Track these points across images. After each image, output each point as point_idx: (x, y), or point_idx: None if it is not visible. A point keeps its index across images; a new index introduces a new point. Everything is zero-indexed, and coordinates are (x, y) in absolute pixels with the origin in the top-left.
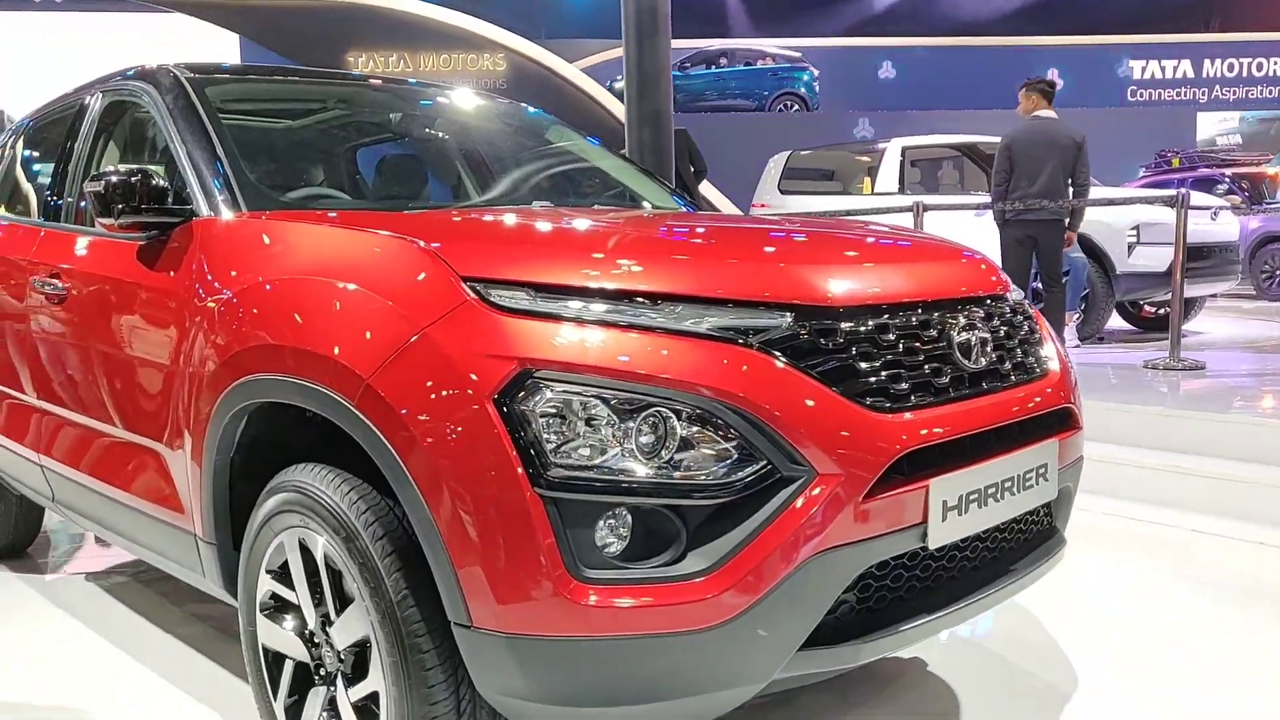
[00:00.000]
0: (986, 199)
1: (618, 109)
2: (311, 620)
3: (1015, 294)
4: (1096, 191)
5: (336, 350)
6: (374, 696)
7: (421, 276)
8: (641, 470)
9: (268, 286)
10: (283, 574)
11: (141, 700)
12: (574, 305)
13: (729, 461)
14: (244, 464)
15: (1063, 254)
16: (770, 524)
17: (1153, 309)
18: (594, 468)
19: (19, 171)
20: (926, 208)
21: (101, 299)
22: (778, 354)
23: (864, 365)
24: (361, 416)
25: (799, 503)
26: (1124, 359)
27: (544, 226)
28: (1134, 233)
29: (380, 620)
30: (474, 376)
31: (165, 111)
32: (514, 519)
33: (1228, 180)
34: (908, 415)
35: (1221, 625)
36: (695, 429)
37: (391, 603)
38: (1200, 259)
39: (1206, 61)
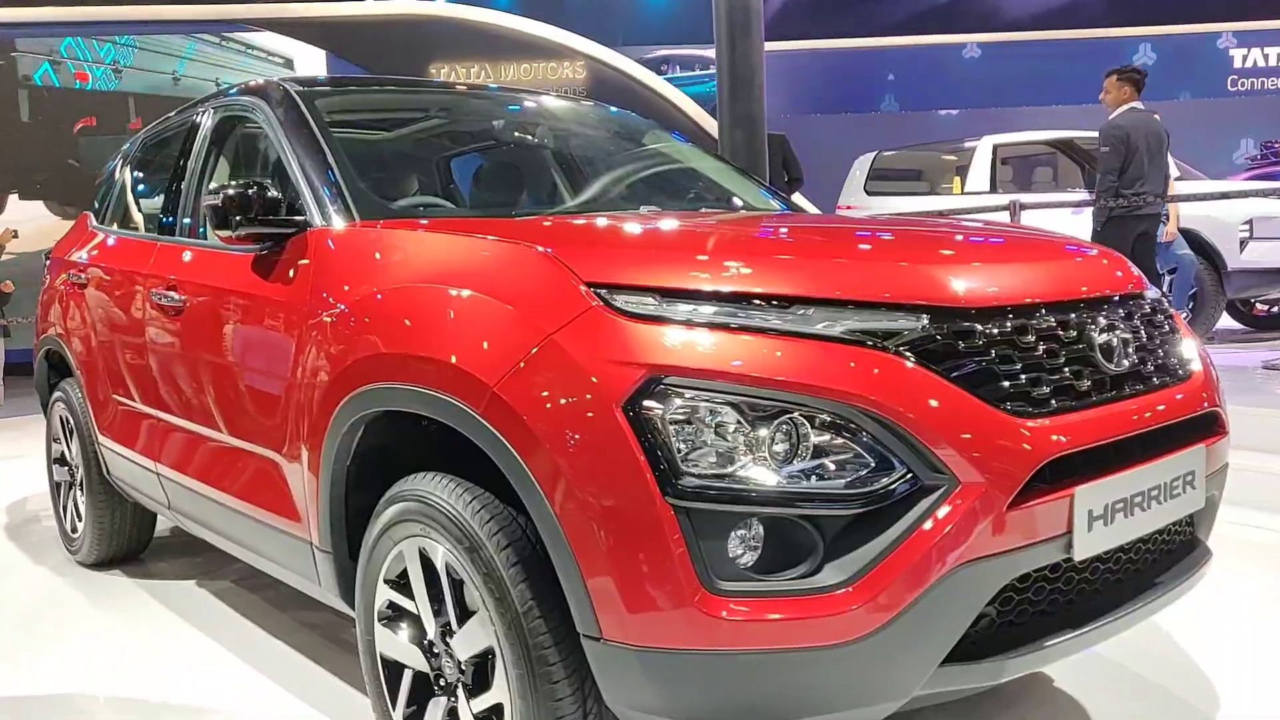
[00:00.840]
0: (1083, 196)
1: (696, 113)
2: (431, 630)
3: (1152, 292)
4: (1207, 185)
5: (460, 358)
6: (497, 708)
7: (544, 283)
8: (776, 479)
9: (386, 295)
10: (401, 583)
11: (254, 705)
12: (702, 310)
13: (867, 469)
14: (359, 473)
15: (1169, 251)
16: (911, 535)
17: (1265, 306)
18: (726, 476)
19: (132, 188)
20: (1023, 206)
21: (218, 310)
22: (915, 357)
23: (1003, 368)
24: (487, 425)
25: (941, 512)
26: (1238, 360)
27: (663, 230)
28: (1246, 227)
29: (505, 631)
30: (601, 383)
31: (277, 125)
32: (645, 529)
33: None
34: (1050, 420)
35: None
36: (831, 436)
37: (517, 614)
38: None
39: None
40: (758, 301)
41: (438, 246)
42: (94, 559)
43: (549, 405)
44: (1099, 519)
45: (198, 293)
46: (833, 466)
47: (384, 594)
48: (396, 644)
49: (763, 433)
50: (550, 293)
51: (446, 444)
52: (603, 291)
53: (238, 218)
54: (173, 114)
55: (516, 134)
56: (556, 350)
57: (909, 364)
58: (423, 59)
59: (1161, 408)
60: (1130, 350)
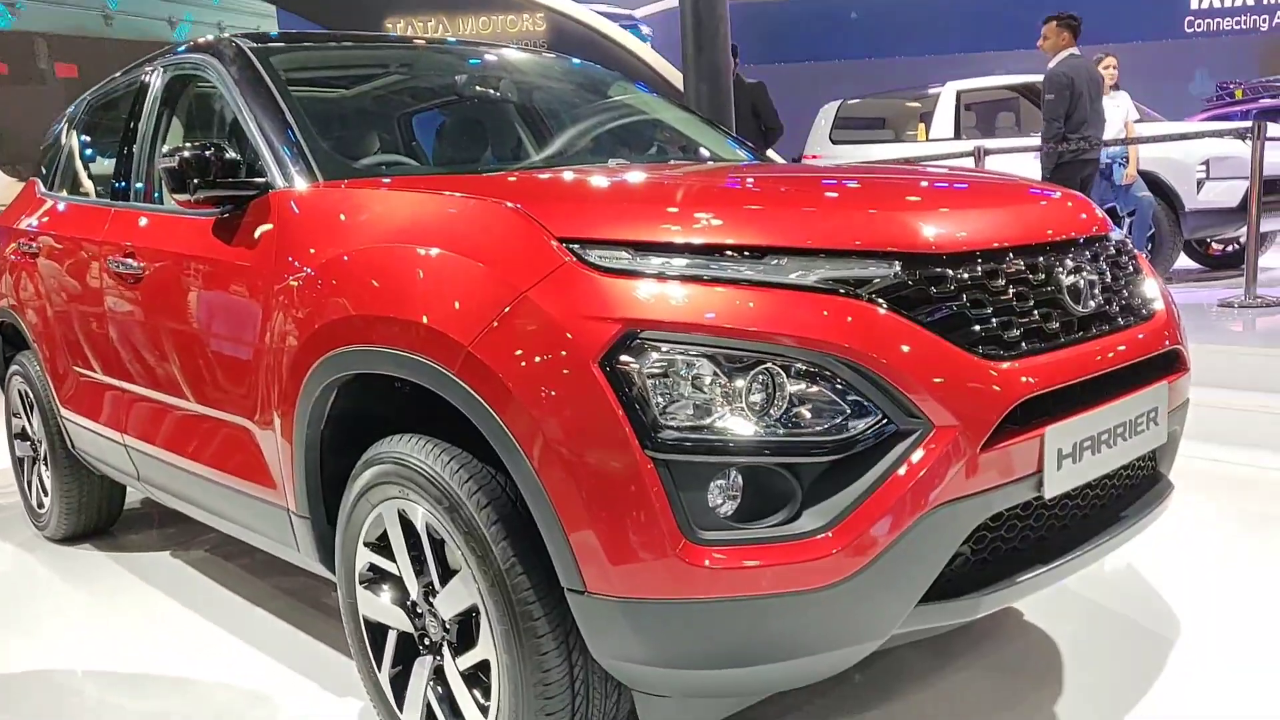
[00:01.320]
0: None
1: (660, 64)
2: (414, 591)
3: (1116, 233)
4: (1164, 127)
5: (432, 318)
6: (484, 665)
7: (515, 240)
8: (753, 428)
9: (353, 256)
10: (381, 546)
11: (237, 671)
12: (675, 263)
13: (843, 416)
14: (334, 437)
15: (1128, 193)
16: (887, 479)
17: (1220, 246)
18: (705, 428)
19: (80, 153)
20: (987, 152)
21: (179, 276)
22: (887, 304)
23: (974, 312)
24: (463, 385)
25: (916, 456)
26: (1196, 298)
27: (632, 183)
28: (1203, 168)
29: (489, 589)
30: (577, 340)
31: (231, 83)
32: (625, 483)
33: None
34: (1020, 362)
35: None
36: (807, 384)
37: (500, 571)
38: (1273, 192)
39: None
40: (730, 253)
41: (404, 205)
42: (63, 534)
43: (525, 363)
44: (1068, 457)
45: (157, 259)
46: (809, 414)
47: (364, 557)
48: (379, 606)
49: (739, 383)
50: (522, 249)
51: (420, 405)
52: (575, 247)
53: (195, 180)
54: (118, 74)
55: (479, 88)
56: (530, 307)
57: (882, 311)
58: (377, 13)
59: (1126, 347)
60: (1096, 291)
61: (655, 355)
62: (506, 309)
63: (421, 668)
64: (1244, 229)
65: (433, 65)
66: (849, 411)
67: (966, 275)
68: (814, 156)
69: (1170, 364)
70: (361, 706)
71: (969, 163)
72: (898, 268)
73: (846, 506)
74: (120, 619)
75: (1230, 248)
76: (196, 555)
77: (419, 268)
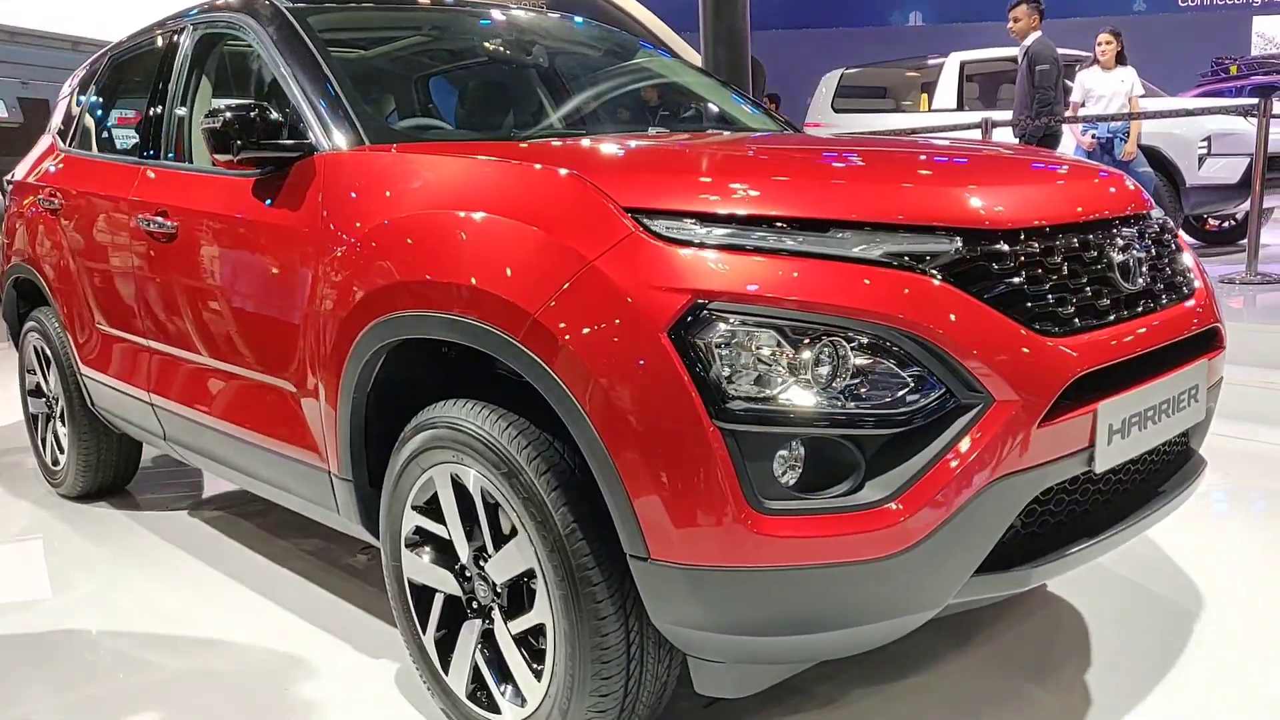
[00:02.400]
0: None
1: (659, 27)
2: (464, 554)
3: (1157, 212)
4: (1167, 102)
5: (498, 285)
6: (538, 629)
7: (581, 209)
8: (819, 400)
9: (409, 221)
10: (430, 509)
11: (269, 630)
12: (740, 234)
13: (907, 389)
14: (378, 401)
15: (1129, 168)
16: (948, 451)
17: (1217, 222)
18: (772, 399)
19: (103, 110)
20: (995, 124)
21: (217, 236)
22: (949, 279)
23: (1031, 289)
24: (528, 352)
25: (976, 429)
26: None
27: (692, 154)
28: (1205, 144)
29: (548, 553)
30: (646, 310)
31: (270, 44)
32: (693, 452)
33: None
34: (1075, 339)
35: None
36: (872, 357)
37: (560, 536)
38: (1273, 169)
39: None
40: (797, 225)
41: (463, 170)
42: (78, 491)
43: (592, 332)
44: (1118, 433)
45: (192, 218)
46: (874, 386)
47: (411, 520)
48: (426, 569)
49: (806, 355)
50: (588, 219)
51: (466, 371)
52: (642, 217)
53: (238, 141)
54: (139, 32)
55: (511, 53)
56: (598, 277)
57: (945, 286)
58: None
59: (1171, 324)
60: (1144, 269)
61: (723, 326)
62: (573, 278)
63: (470, 631)
64: (1244, 205)
65: (464, 28)
66: (912, 384)
67: (1023, 252)
68: (815, 125)
69: (1209, 341)
70: (399, 668)
71: (975, 134)
72: (959, 243)
73: (910, 478)
74: (147, 577)
75: (1226, 224)
76: (212, 514)
77: (481, 234)
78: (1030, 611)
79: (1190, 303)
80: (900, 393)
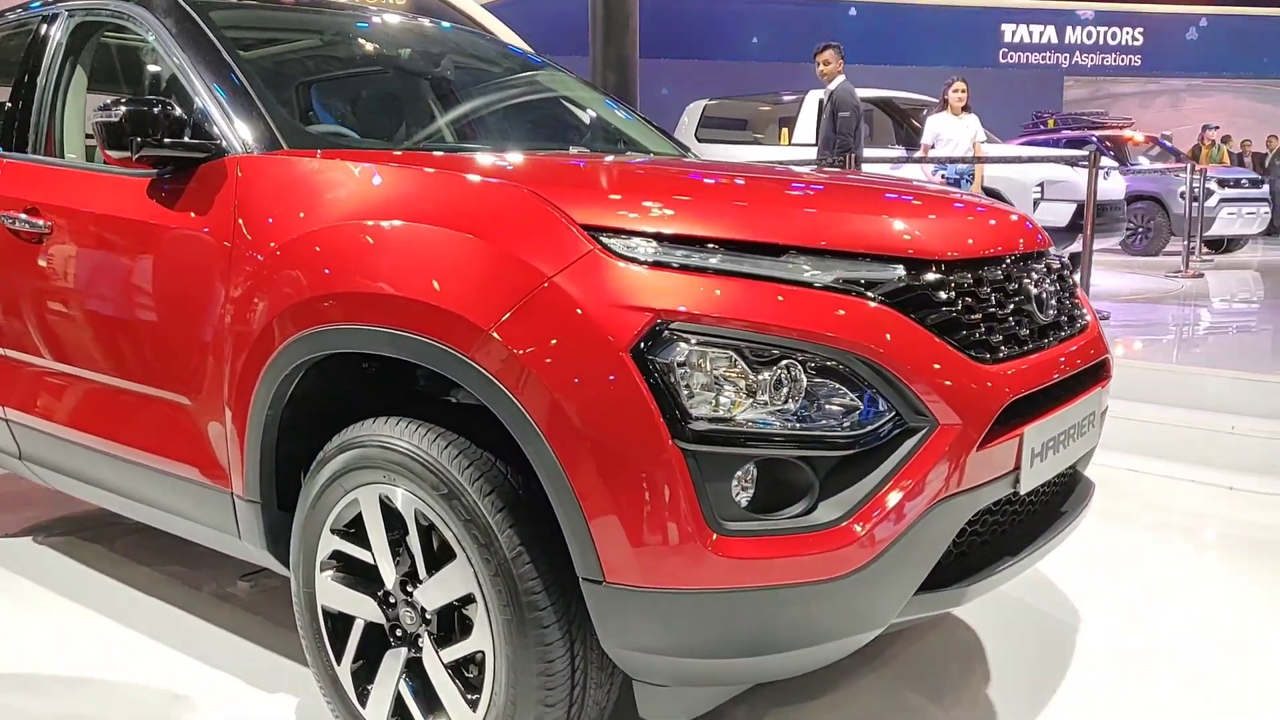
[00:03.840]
0: (900, 152)
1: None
2: (390, 580)
3: (1055, 249)
4: (1005, 149)
5: (448, 301)
6: (473, 656)
7: (536, 225)
8: (777, 421)
9: (343, 231)
10: (351, 532)
11: (144, 666)
12: (701, 257)
13: (859, 412)
14: (290, 419)
15: None
16: (897, 473)
17: None
18: (731, 420)
19: None
20: (860, 160)
21: (102, 239)
22: (895, 306)
23: (967, 317)
24: (479, 368)
25: (923, 452)
26: None
27: (642, 174)
28: (1039, 189)
29: (491, 577)
30: (607, 329)
31: (169, 38)
32: (653, 473)
33: (1095, 142)
34: (1005, 366)
35: (1170, 556)
36: (828, 380)
37: (505, 559)
38: (1099, 215)
39: (1069, 29)
40: (754, 250)
41: (409, 182)
42: None
43: (550, 349)
44: (1038, 455)
45: (70, 218)
46: (828, 409)
47: (330, 544)
48: (343, 596)
49: (764, 377)
50: (545, 235)
51: (383, 389)
52: (600, 235)
53: (138, 139)
54: (5, 14)
55: (419, 63)
56: (557, 294)
57: (892, 312)
58: None
59: (1077, 354)
60: (1052, 301)
61: (684, 346)
62: (530, 295)
63: (394, 660)
64: (1072, 247)
65: (365, 35)
66: (864, 407)
67: (958, 282)
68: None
69: (1101, 371)
70: (298, 702)
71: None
72: (901, 271)
73: (860, 499)
74: None
75: None
76: (60, 540)
77: (428, 247)
78: (930, 626)
79: (1087, 334)
80: (854, 415)
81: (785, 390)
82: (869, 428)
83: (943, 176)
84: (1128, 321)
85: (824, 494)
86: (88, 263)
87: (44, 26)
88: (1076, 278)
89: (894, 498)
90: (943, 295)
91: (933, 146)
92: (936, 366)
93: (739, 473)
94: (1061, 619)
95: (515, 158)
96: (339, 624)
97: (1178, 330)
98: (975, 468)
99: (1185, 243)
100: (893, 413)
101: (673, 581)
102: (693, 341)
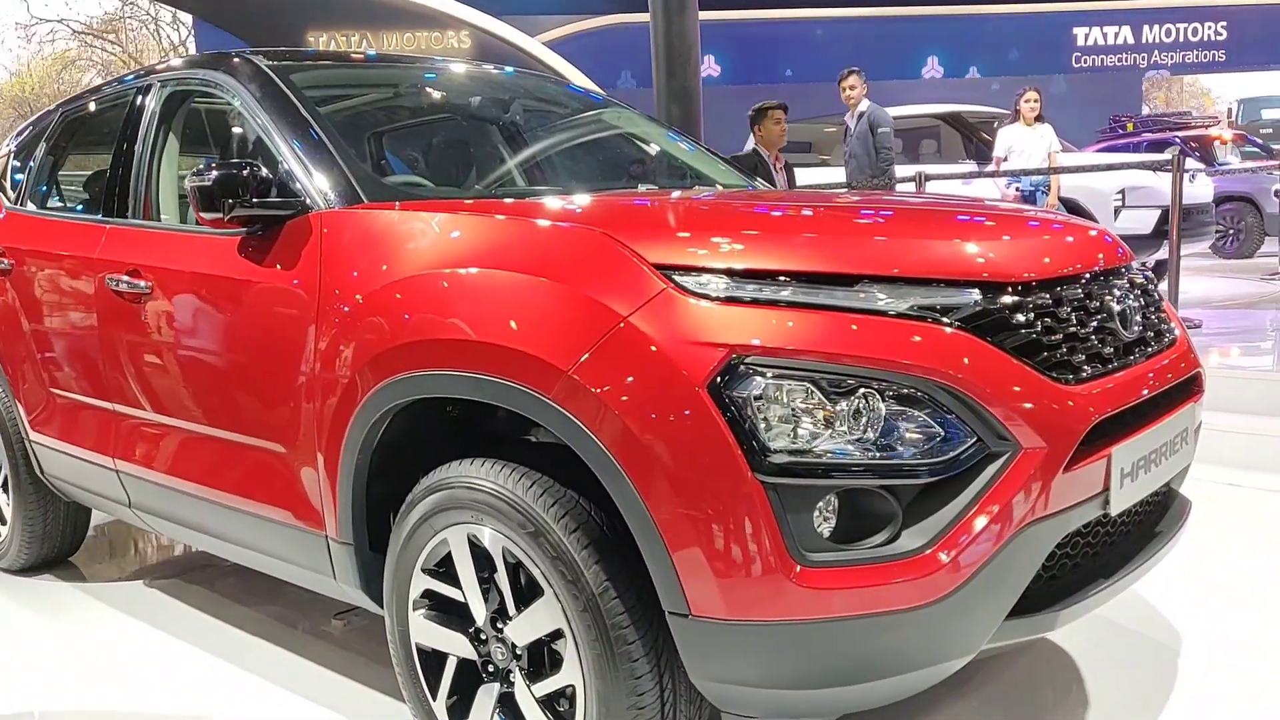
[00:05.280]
0: (970, 167)
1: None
2: (480, 617)
3: (1138, 263)
4: (1082, 158)
5: (528, 344)
6: (567, 690)
7: (609, 267)
8: (857, 451)
9: (422, 281)
10: (441, 571)
11: (247, 704)
12: (770, 289)
13: (939, 439)
14: (378, 463)
15: None
16: (981, 499)
17: None
18: (810, 451)
19: (56, 168)
20: (928, 177)
21: (197, 298)
22: (973, 331)
23: (1048, 339)
24: (561, 410)
25: (1006, 477)
26: None
27: (712, 211)
28: (1119, 197)
29: (579, 613)
30: (683, 366)
31: (254, 102)
32: (735, 507)
33: (1179, 143)
34: (1089, 386)
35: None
36: (906, 408)
37: (592, 594)
38: (1185, 220)
39: (1145, 27)
40: (825, 280)
41: (485, 230)
42: (22, 564)
43: (628, 388)
44: (1128, 475)
45: (168, 278)
46: (908, 437)
47: (421, 583)
48: (436, 633)
49: (841, 407)
50: (619, 276)
51: (472, 430)
52: (672, 273)
53: (229, 200)
54: (94, 88)
55: (489, 111)
56: (633, 334)
57: (969, 337)
58: (299, 27)
59: (1165, 370)
60: (1137, 317)
61: (760, 380)
62: (606, 335)
63: (487, 695)
64: (1158, 254)
65: (435, 84)
66: (944, 434)
67: (1039, 303)
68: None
69: (1193, 386)
70: None
71: (910, 187)
72: (977, 295)
73: (944, 526)
74: (104, 651)
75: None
76: (165, 582)
77: (507, 293)
78: (1020, 652)
79: (1176, 349)
80: (933, 442)
81: (863, 420)
82: (950, 454)
83: (1017, 189)
84: (1221, 329)
85: (907, 522)
86: (185, 319)
87: (139, 97)
88: (1163, 288)
89: (979, 523)
90: (1021, 317)
91: (1005, 159)
92: (1017, 389)
93: (820, 503)
94: (1160, 641)
95: (585, 200)
96: (433, 660)
97: (1277, 336)
98: (1062, 490)
99: None
100: (974, 438)
101: (758, 614)
102: (769, 375)
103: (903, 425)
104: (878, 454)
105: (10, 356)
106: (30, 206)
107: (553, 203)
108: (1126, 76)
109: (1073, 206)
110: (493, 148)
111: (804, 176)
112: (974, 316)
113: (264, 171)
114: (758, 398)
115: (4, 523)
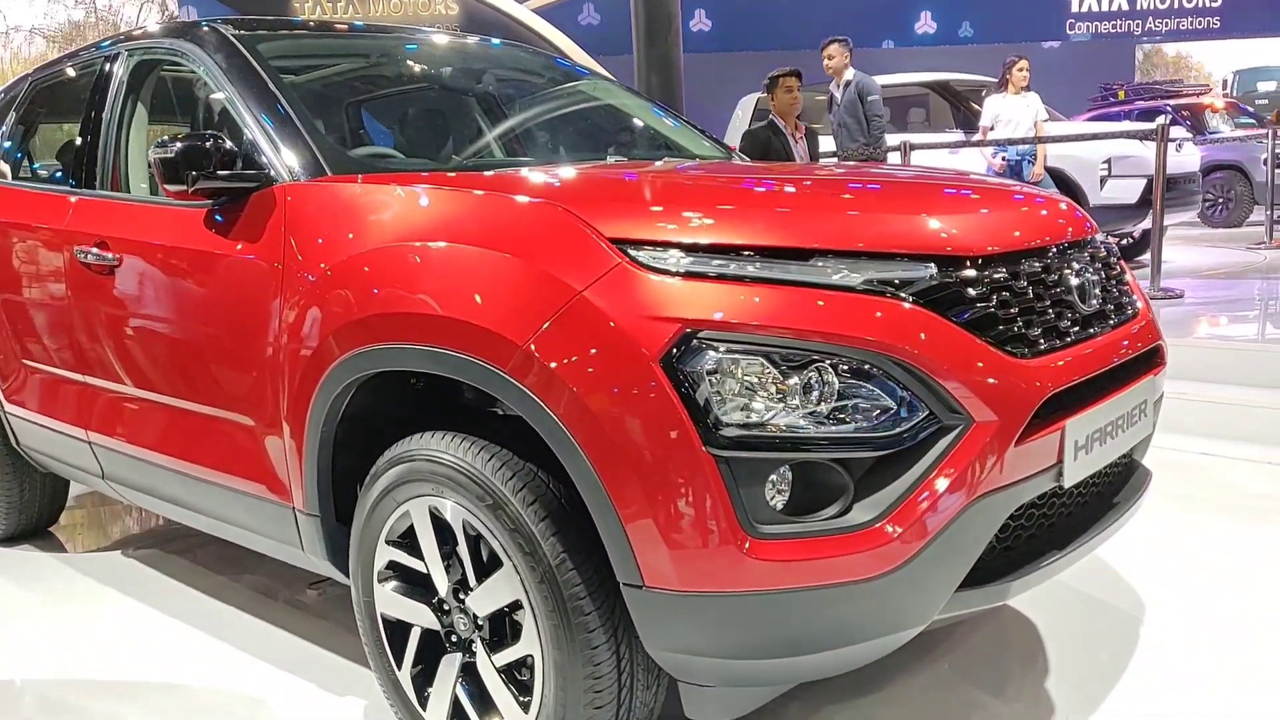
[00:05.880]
0: (958, 136)
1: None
2: (443, 588)
3: (1101, 235)
4: (1071, 126)
5: (484, 318)
6: (524, 660)
7: (566, 240)
8: (809, 425)
9: (383, 253)
10: (405, 543)
11: (222, 671)
12: (725, 263)
13: (892, 413)
14: (343, 435)
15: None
16: (932, 472)
17: (1117, 239)
18: (763, 425)
19: (25, 137)
20: (912, 146)
21: (166, 269)
22: (927, 305)
23: (1003, 313)
24: (516, 383)
25: (958, 450)
26: None
27: (671, 184)
28: (1105, 166)
29: (536, 584)
30: (637, 340)
31: (219, 71)
32: (688, 480)
33: (1171, 112)
34: (1043, 360)
35: (1246, 539)
36: (859, 382)
37: (550, 566)
38: (1170, 189)
39: None
40: (780, 254)
41: (443, 202)
42: (1, 534)
43: (583, 362)
44: (1082, 448)
45: (136, 250)
46: (860, 411)
47: (385, 554)
48: (401, 604)
49: (794, 381)
50: (574, 250)
51: (438, 402)
52: (627, 247)
53: (193, 172)
54: (66, 56)
55: (460, 80)
56: (587, 308)
57: (925, 311)
58: None
59: (1123, 343)
60: (1096, 290)
61: (713, 354)
62: (562, 309)
63: (450, 665)
64: (1143, 224)
65: (406, 55)
66: (897, 408)
67: (995, 277)
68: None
69: (1153, 358)
70: (366, 705)
71: (895, 157)
72: (933, 269)
73: (895, 499)
74: (83, 621)
75: (1125, 240)
76: (144, 552)
77: (465, 267)
78: (987, 619)
79: (1136, 322)
80: (886, 415)
81: (816, 394)
82: (902, 428)
83: (1003, 158)
84: (1206, 299)
85: (860, 495)
86: (152, 291)
87: (107, 65)
88: (1148, 257)
89: (930, 496)
90: (977, 291)
91: (992, 128)
92: (970, 364)
93: (773, 476)
94: (1125, 610)
95: (545, 174)
96: (398, 631)
97: (1262, 306)
98: (1014, 463)
99: (1269, 212)
100: (926, 412)
101: (710, 585)
102: (721, 349)
103: (855, 399)
104: (830, 428)
105: None
106: (2, 176)
107: (512, 176)
108: (1120, 44)
109: (1059, 176)
110: (467, 119)
111: None
112: (929, 290)
113: (228, 143)
114: (710, 372)
115: None
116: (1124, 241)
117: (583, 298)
